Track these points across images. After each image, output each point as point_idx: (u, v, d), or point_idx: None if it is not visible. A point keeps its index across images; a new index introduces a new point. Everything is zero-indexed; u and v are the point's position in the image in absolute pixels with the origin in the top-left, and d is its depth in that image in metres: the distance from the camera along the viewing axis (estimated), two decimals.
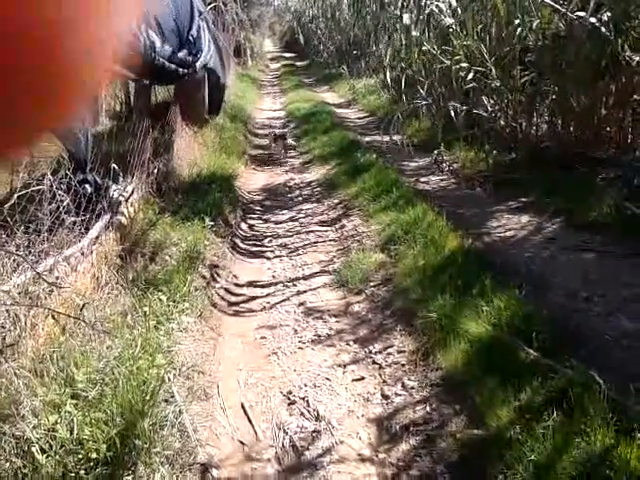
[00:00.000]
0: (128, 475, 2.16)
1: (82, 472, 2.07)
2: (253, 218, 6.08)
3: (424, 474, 2.37)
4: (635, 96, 5.94)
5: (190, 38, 6.46)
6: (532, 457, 2.22)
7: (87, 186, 3.85)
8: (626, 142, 6.14)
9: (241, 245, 5.27)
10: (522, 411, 2.48)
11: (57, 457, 2.10)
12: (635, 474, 2.08)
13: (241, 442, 2.67)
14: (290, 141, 8.74)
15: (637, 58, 5.63)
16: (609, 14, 5.65)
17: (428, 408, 2.77)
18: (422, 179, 6.87)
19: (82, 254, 3.53)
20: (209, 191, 5.70)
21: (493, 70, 6.67)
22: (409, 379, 3.07)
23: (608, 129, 6.38)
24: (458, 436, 2.50)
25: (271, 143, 8.62)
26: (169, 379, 2.76)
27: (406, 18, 8.60)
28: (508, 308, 3.29)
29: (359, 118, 11.47)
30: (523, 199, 5.59)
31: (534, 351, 2.86)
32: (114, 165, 4.35)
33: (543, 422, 2.37)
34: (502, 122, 7.03)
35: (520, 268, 4.13)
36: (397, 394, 2.95)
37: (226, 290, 4.29)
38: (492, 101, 7.19)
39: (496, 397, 2.58)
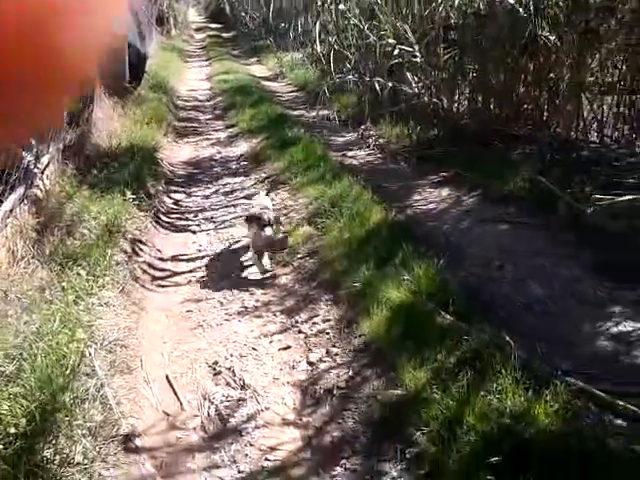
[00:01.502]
0: (49, 448, 2.12)
1: (0, 447, 2.02)
2: (178, 192, 5.95)
3: (346, 434, 2.47)
4: (551, 75, 6.21)
5: None
6: (447, 414, 2.35)
7: None
8: (542, 119, 6.44)
9: (165, 219, 5.17)
10: (438, 372, 2.62)
11: None
12: (543, 428, 2.24)
13: (166, 413, 2.67)
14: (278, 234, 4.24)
15: (553, 38, 5.90)
16: None
17: (351, 372, 2.87)
18: (349, 153, 6.95)
19: None
20: (130, 163, 5.53)
21: (416, 47, 6.80)
22: (333, 346, 3.15)
23: (525, 107, 6.66)
24: (379, 397, 2.61)
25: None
26: (90, 353, 2.71)
27: None
28: (427, 277, 3.42)
29: (287, 92, 11.39)
30: (444, 174, 5.78)
31: (450, 316, 3.00)
32: None
33: (458, 382, 2.51)
34: (425, 99, 7.19)
35: (439, 239, 4.30)
36: (322, 360, 3.04)
37: (149, 264, 4.21)
38: (416, 78, 7.34)
39: (414, 359, 2.69)
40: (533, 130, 6.30)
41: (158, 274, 4.11)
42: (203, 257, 4.42)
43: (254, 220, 4.05)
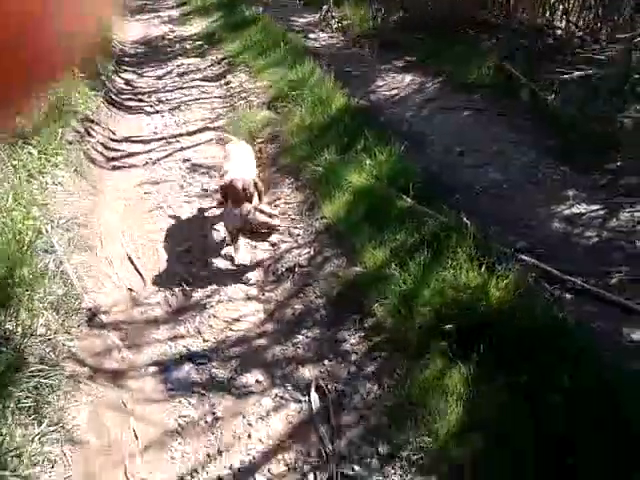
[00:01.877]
0: (10, 321, 2.11)
1: None
2: (129, 72, 5.64)
3: (306, 307, 2.55)
4: None
5: None
6: (404, 288, 2.44)
7: None
8: (509, 5, 6.23)
9: (117, 100, 4.93)
10: (397, 251, 2.68)
11: None
12: (494, 300, 2.34)
13: (129, 289, 2.69)
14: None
15: None
16: None
17: (312, 252, 2.91)
18: (311, 36, 6.64)
19: None
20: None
21: None
22: (295, 228, 3.17)
23: None
24: (339, 274, 2.68)
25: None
26: (47, 231, 2.65)
27: None
28: (389, 162, 3.42)
29: None
30: (408, 59, 5.62)
31: (410, 200, 3.04)
32: None
33: (415, 260, 2.58)
34: None
35: (402, 125, 4.26)
36: (283, 241, 3.06)
37: (103, 145, 4.06)
38: None
39: (374, 240, 2.74)
40: (500, 16, 6.11)
41: (113, 155, 3.98)
42: (159, 139, 4.28)
43: (227, 190, 2.85)
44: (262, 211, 2.93)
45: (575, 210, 3.10)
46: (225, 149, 3.31)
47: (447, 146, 3.93)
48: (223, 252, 2.98)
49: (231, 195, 2.83)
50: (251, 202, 2.84)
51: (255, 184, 2.89)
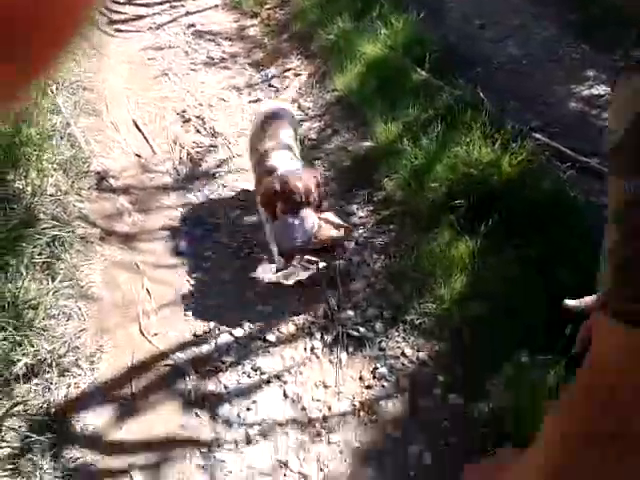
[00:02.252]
0: (20, 180, 2.11)
1: None
2: None
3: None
4: None
5: None
6: (415, 163, 2.41)
7: None
8: None
9: None
10: (410, 126, 2.61)
11: None
12: (505, 176, 2.32)
13: (137, 155, 2.66)
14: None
15: None
16: None
17: (322, 125, 2.85)
18: None
19: None
20: None
21: None
22: (305, 100, 3.08)
23: None
24: (349, 148, 2.63)
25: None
26: (52, 92, 2.57)
27: None
28: (404, 31, 3.24)
29: None
30: None
31: (426, 72, 2.92)
32: None
33: (428, 135, 2.52)
34: None
35: None
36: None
37: (105, 7, 3.84)
38: None
39: (387, 114, 2.67)
40: None
41: (115, 17, 3.78)
42: (162, 2, 4.04)
43: (281, 195, 1.97)
44: (328, 221, 2.09)
45: (594, 91, 2.97)
46: (258, 115, 2.34)
47: (466, 16, 3.71)
48: (267, 279, 2.12)
49: (287, 201, 1.96)
50: (312, 207, 2.01)
51: (317, 182, 2.03)
